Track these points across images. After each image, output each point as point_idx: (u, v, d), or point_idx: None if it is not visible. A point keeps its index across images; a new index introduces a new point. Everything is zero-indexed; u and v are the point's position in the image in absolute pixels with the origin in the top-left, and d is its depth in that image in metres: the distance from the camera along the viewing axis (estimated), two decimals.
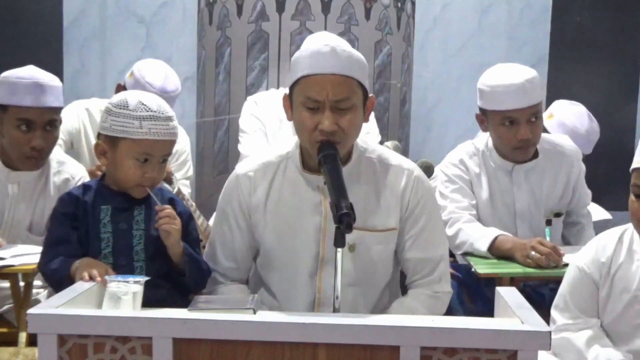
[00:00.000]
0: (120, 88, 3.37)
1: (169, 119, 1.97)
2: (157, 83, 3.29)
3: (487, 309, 2.48)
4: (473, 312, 2.67)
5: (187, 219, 2.05)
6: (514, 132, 2.68)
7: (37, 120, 2.59)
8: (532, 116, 2.68)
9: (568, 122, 3.42)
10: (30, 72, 2.64)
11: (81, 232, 1.96)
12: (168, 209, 1.96)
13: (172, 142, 2.00)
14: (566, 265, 2.44)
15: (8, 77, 2.63)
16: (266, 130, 3.18)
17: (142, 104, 1.94)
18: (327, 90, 1.91)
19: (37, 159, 2.66)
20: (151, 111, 1.93)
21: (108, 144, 1.97)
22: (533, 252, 2.49)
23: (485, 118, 2.77)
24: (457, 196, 2.81)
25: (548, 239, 2.61)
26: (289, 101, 2.02)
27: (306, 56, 1.95)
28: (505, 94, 2.65)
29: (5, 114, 2.61)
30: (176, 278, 1.99)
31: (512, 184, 2.79)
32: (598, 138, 3.57)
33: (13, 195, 2.68)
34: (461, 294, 2.74)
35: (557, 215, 2.82)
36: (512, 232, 2.76)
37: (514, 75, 2.67)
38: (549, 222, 2.78)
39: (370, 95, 2.03)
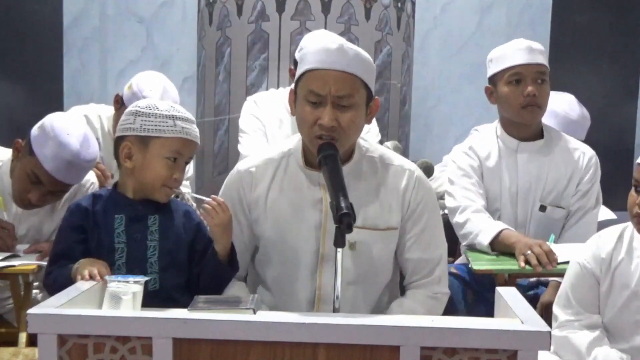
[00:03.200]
0: (119, 98, 3.36)
1: (195, 122, 2.04)
2: (155, 98, 3.27)
3: (488, 314, 2.48)
4: (474, 312, 2.67)
5: (202, 228, 2.07)
6: (521, 90, 2.75)
7: (46, 184, 2.51)
8: (538, 77, 2.77)
9: (559, 110, 3.41)
10: (73, 144, 2.47)
11: (92, 244, 1.94)
12: (219, 201, 1.96)
13: (197, 146, 2.05)
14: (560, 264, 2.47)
15: (55, 134, 2.46)
16: (266, 130, 3.18)
17: (172, 106, 2.00)
18: (330, 85, 1.92)
19: (28, 206, 2.60)
20: (182, 112, 2.00)
21: (137, 145, 1.96)
22: (529, 252, 2.50)
23: (494, 89, 2.84)
24: (466, 183, 2.81)
25: (550, 243, 2.60)
26: (294, 95, 2.02)
27: (314, 51, 1.97)
28: (512, 51, 2.78)
29: (28, 155, 2.51)
30: (225, 275, 2.01)
31: (517, 163, 2.80)
32: (589, 124, 3.56)
33: (16, 215, 2.63)
34: (466, 294, 2.74)
35: (558, 207, 2.80)
36: (511, 213, 2.78)
37: (521, 40, 2.84)
38: (542, 209, 2.79)
39: (375, 97, 2.03)
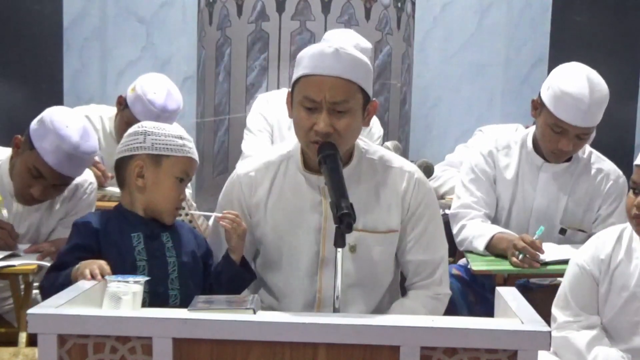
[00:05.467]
0: (122, 100, 3.35)
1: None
2: (159, 101, 3.26)
3: (489, 314, 2.48)
4: (475, 312, 2.67)
5: (207, 242, 2.12)
6: (557, 140, 2.64)
7: (48, 178, 2.50)
8: (582, 134, 2.64)
9: None
10: (73, 136, 2.47)
11: (110, 262, 1.85)
12: (234, 213, 2.00)
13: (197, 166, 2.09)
14: (546, 263, 2.48)
15: (54, 127, 2.46)
16: (273, 130, 3.16)
17: (175, 128, 2.04)
18: (325, 92, 1.91)
19: (30, 202, 2.59)
20: (184, 133, 2.04)
21: (149, 163, 1.96)
22: (517, 251, 2.50)
23: (540, 108, 2.70)
24: (473, 188, 2.79)
25: (536, 236, 2.58)
26: (291, 99, 2.02)
27: (309, 56, 1.95)
28: (569, 106, 2.58)
29: (28, 150, 2.50)
30: (244, 281, 2.04)
31: (537, 182, 2.77)
32: (594, 135, 3.55)
33: (17, 213, 2.62)
34: (467, 294, 2.73)
35: (579, 230, 2.76)
36: (518, 227, 2.74)
37: (585, 91, 2.57)
38: (563, 232, 2.76)
39: (373, 99, 2.02)
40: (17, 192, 2.58)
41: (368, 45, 3.26)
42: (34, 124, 2.52)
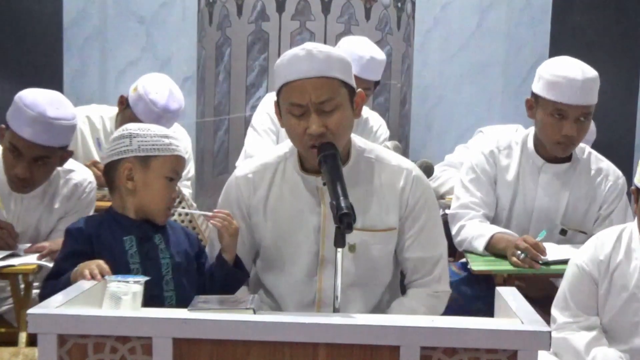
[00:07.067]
0: (124, 100, 3.35)
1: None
2: (161, 102, 3.26)
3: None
4: (481, 297, 2.67)
5: (199, 240, 2.12)
6: (560, 127, 2.64)
7: (25, 153, 2.50)
8: (582, 115, 2.64)
9: None
10: (39, 104, 2.49)
11: None
12: (225, 212, 1.99)
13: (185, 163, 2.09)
14: (546, 263, 2.48)
15: (21, 99, 2.50)
16: (280, 132, 3.16)
17: (159, 128, 2.03)
18: (308, 94, 1.91)
19: (19, 186, 2.58)
20: (170, 131, 2.03)
21: (138, 165, 1.96)
22: (519, 252, 2.50)
23: (535, 105, 2.71)
24: (472, 188, 2.79)
25: (539, 239, 2.59)
26: (278, 109, 2.02)
27: (285, 63, 1.95)
28: (564, 87, 2.60)
29: (5, 131, 2.54)
30: (238, 280, 2.04)
31: (537, 182, 2.77)
32: (595, 138, 3.56)
33: (16, 212, 2.63)
34: (468, 292, 2.73)
35: (580, 232, 2.75)
36: (519, 228, 2.74)
37: (577, 71, 2.61)
38: (563, 232, 2.76)
39: (358, 90, 2.02)
40: (9, 182, 2.59)
41: (382, 56, 3.27)
42: (9, 110, 2.55)
